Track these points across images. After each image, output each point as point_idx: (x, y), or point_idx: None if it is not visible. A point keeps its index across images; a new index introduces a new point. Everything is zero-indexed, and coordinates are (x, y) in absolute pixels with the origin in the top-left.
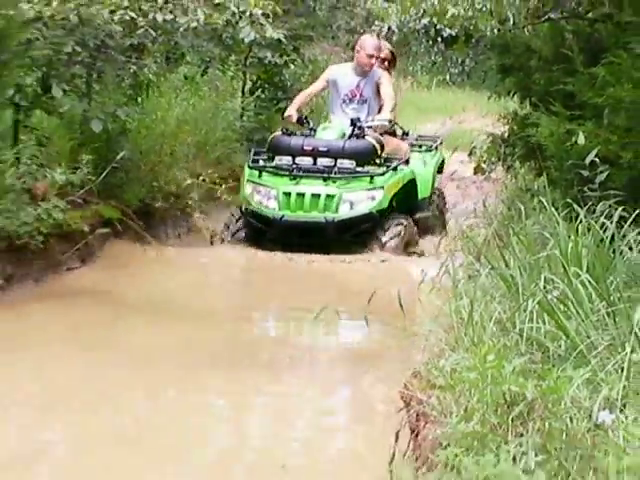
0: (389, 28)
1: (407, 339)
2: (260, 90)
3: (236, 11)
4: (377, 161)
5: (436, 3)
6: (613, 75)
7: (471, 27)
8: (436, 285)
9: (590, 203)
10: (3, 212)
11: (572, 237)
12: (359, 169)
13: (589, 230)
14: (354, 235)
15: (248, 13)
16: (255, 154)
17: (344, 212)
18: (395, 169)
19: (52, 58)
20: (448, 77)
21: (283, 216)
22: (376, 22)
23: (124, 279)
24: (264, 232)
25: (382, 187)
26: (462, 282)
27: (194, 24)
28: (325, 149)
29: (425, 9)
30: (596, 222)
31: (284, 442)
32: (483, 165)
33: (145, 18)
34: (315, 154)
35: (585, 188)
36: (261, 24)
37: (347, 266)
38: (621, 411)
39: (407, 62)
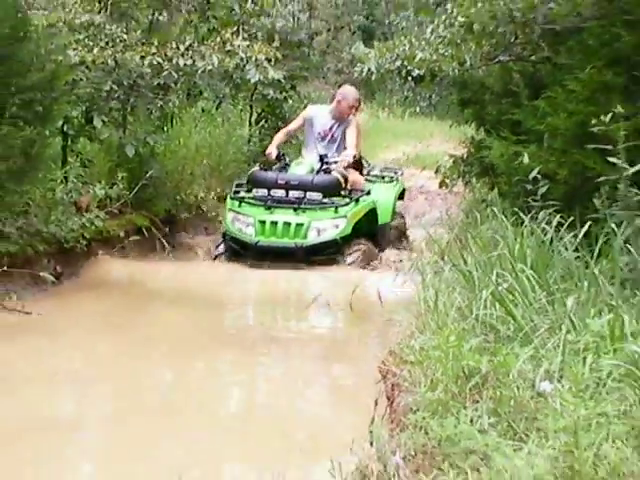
0: (369, 69)
1: (384, 324)
2: (264, 120)
3: (244, 57)
4: (342, 193)
5: (407, 49)
6: (551, 107)
7: (436, 68)
8: (407, 280)
9: (533, 211)
10: (54, 221)
11: (518, 239)
12: (325, 200)
13: (532, 234)
14: (321, 257)
15: (254, 58)
16: (237, 186)
17: (312, 238)
18: (357, 200)
19: (94, 95)
20: (418, 109)
21: (258, 241)
22: (358, 64)
23: (149, 275)
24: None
25: (345, 216)
26: (429, 277)
27: (209, 67)
28: (296, 183)
29: (398, 54)
30: (538, 227)
31: (281, 409)
32: (446, 180)
33: (169, 62)
34: (287, 187)
35: (529, 199)
36: (264, 67)
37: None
38: (559, 382)
39: (384, 97)
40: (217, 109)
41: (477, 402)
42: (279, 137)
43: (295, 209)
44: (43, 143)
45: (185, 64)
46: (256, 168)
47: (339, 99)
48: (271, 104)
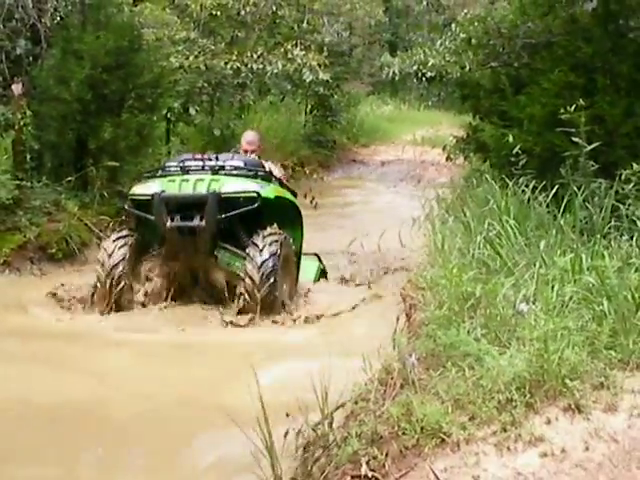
0: (393, 72)
1: (405, 259)
2: (316, 110)
3: (301, 62)
4: None
5: (422, 57)
6: (529, 100)
7: (443, 72)
8: (421, 228)
9: (515, 178)
10: None
11: (504, 198)
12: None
13: (514, 194)
14: None
15: (308, 64)
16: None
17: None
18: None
19: (189, 91)
20: (430, 103)
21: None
22: (385, 68)
23: None
24: None
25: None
26: (437, 226)
27: (276, 70)
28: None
29: (415, 60)
30: (519, 189)
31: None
32: (451, 155)
33: (246, 67)
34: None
35: (512, 169)
36: (316, 70)
37: None
38: (533, 303)
39: (405, 93)
40: (281, 102)
41: (472, 318)
42: None
43: None
44: (152, 126)
45: (257, 68)
46: None
47: (245, 148)
48: (321, 98)
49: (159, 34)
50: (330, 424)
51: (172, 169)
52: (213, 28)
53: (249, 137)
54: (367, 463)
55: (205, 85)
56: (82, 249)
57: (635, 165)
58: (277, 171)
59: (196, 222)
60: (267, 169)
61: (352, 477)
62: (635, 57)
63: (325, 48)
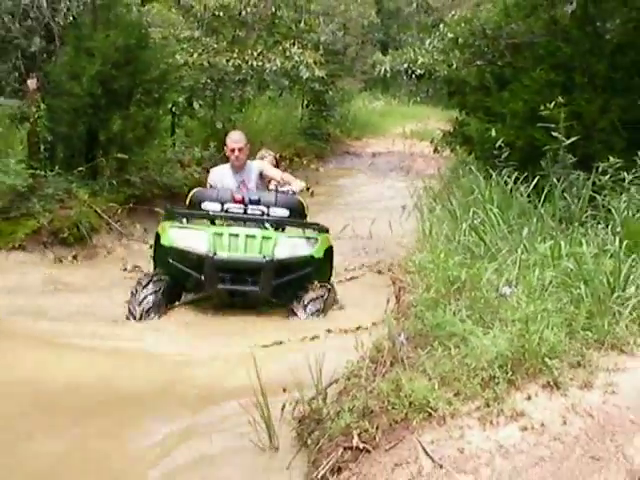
0: (385, 69)
1: (395, 245)
2: (312, 105)
3: (298, 60)
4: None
5: (412, 55)
6: (512, 96)
7: (432, 69)
8: (410, 215)
9: (498, 169)
10: (166, 174)
11: (488, 188)
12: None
13: (498, 184)
14: None
15: (305, 61)
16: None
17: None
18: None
19: (193, 86)
20: (419, 98)
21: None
22: (377, 66)
23: None
24: None
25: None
26: (425, 213)
27: (274, 67)
28: None
29: (405, 59)
30: (502, 180)
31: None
32: (438, 148)
33: (246, 64)
34: None
35: (496, 161)
36: (312, 68)
37: None
38: (515, 287)
39: (395, 90)
40: (279, 97)
41: (458, 300)
42: None
43: None
44: (158, 119)
45: (257, 65)
46: None
47: (232, 147)
48: (316, 94)
49: (165, 33)
50: (324, 399)
51: (211, 210)
52: (216, 27)
53: (235, 136)
54: (358, 435)
55: (208, 81)
56: (92, 234)
57: (611, 158)
58: (290, 178)
59: (249, 287)
60: (304, 205)
61: (344, 448)
62: (611, 57)
63: (321, 47)
